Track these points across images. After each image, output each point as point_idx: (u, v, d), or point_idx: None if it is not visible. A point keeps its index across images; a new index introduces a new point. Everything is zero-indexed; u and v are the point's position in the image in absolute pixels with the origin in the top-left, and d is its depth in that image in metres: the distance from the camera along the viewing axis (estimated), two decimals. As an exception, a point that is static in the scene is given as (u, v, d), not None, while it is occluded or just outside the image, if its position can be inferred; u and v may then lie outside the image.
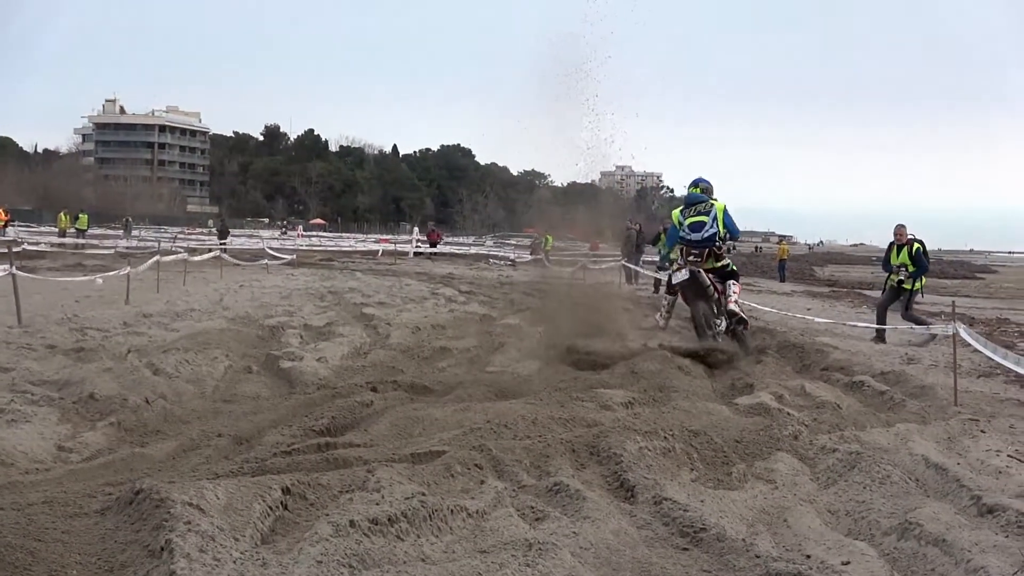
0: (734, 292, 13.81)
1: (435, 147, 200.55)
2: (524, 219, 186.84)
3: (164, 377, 10.08)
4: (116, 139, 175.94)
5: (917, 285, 17.39)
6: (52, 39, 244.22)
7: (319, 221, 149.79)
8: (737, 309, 13.69)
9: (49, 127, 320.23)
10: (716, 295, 13.79)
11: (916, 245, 17.31)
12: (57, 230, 54.71)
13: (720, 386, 11.12)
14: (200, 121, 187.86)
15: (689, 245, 13.97)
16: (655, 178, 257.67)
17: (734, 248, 15.89)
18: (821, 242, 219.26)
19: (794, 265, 54.29)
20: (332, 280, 27.65)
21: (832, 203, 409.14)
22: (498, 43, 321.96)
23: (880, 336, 16.76)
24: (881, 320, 17.29)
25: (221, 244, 43.15)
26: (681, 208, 14.46)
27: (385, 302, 20.61)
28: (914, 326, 16.29)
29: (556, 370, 11.65)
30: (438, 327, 16.24)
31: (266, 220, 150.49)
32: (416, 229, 76.07)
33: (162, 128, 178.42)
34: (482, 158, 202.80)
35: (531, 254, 46.99)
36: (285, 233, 77.63)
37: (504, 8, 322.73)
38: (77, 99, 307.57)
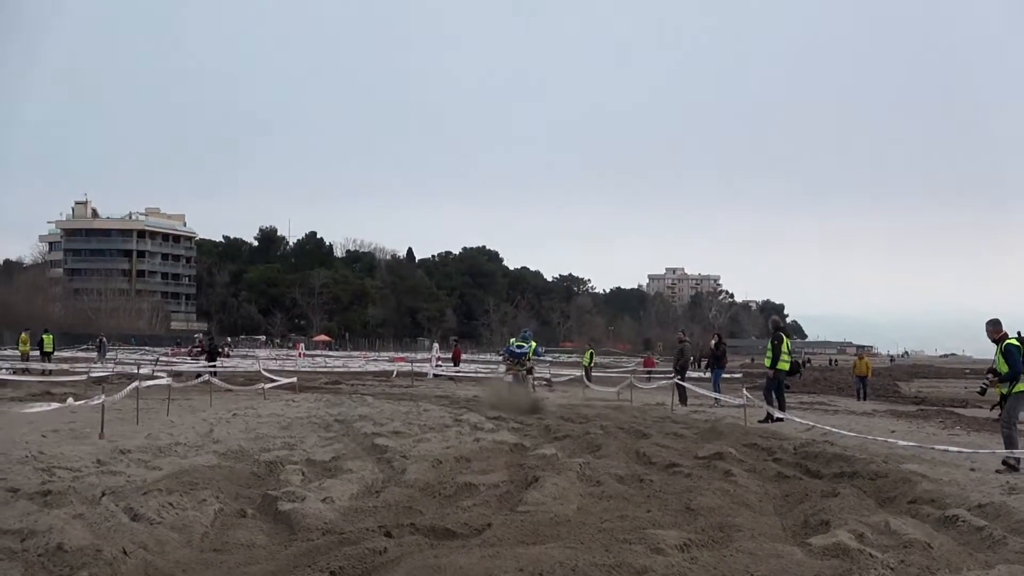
0: (533, 377, 34.28)
1: (456, 250, 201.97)
2: (561, 332, 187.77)
3: (144, 523, 10.07)
4: (88, 247, 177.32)
5: (1017, 389, 16.67)
6: (13, 133, 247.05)
7: (324, 338, 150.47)
8: (535, 384, 34.64)
9: (10, 234, 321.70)
10: (524, 379, 32.03)
11: (1008, 342, 16.52)
12: (20, 353, 54.91)
13: (790, 523, 11.06)
14: (185, 225, 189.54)
15: (513, 357, 32.25)
16: (712, 282, 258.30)
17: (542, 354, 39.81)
18: (906, 353, 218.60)
19: (875, 380, 53.91)
20: (339, 406, 27.66)
21: (918, 310, 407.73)
22: (524, 130, 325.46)
23: (1014, 463, 16.06)
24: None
25: (210, 366, 43.31)
26: (512, 341, 33.47)
27: (401, 431, 20.58)
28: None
29: (600, 508, 11.62)
30: (462, 459, 16.19)
31: (262, 338, 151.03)
32: (436, 345, 76.07)
33: (141, 233, 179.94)
34: (511, 262, 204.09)
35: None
36: (226, 353, 75.49)
37: (530, 92, 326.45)
38: (43, 202, 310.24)
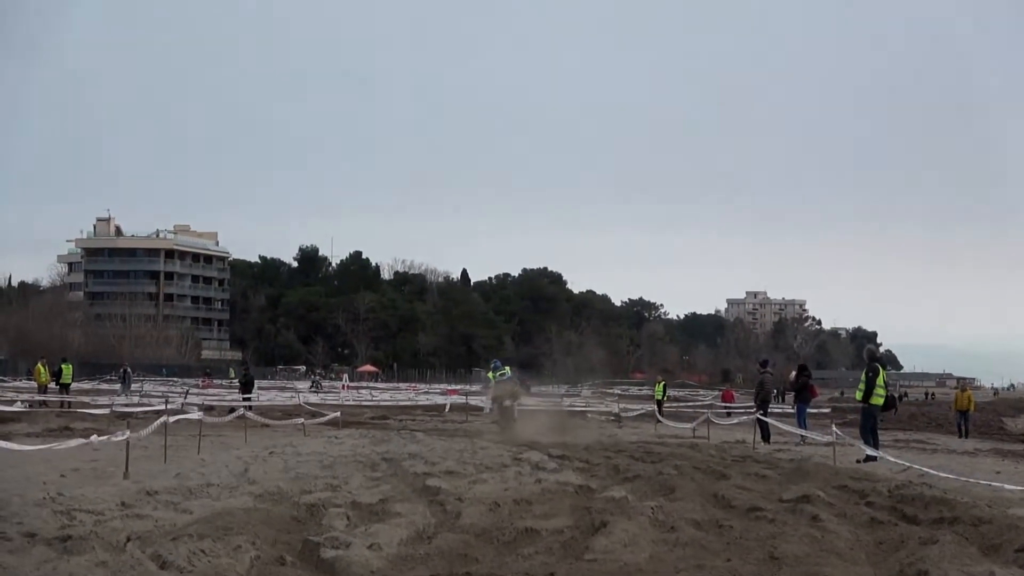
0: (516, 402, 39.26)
1: (515, 272, 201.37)
2: (631, 362, 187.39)
3: (174, 572, 10.11)
4: (111, 268, 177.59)
5: None
6: (28, 144, 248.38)
7: (370, 368, 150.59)
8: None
9: (26, 254, 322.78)
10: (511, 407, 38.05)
11: None
12: (36, 384, 55.00)
13: (884, 573, 10.97)
14: (217, 244, 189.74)
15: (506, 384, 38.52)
16: (797, 307, 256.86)
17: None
18: (1012, 385, 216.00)
19: (978, 415, 53.36)
20: (387, 444, 27.75)
21: None
22: (589, 147, 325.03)
23: None
24: None
25: (245, 399, 43.49)
26: (491, 373, 41.32)
27: (455, 471, 20.59)
28: None
29: (675, 556, 11.57)
30: (522, 502, 16.17)
31: (302, 367, 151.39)
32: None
33: (169, 253, 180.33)
34: (575, 285, 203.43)
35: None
36: (315, 386, 77.95)
37: (596, 110, 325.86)
38: (61, 218, 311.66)
